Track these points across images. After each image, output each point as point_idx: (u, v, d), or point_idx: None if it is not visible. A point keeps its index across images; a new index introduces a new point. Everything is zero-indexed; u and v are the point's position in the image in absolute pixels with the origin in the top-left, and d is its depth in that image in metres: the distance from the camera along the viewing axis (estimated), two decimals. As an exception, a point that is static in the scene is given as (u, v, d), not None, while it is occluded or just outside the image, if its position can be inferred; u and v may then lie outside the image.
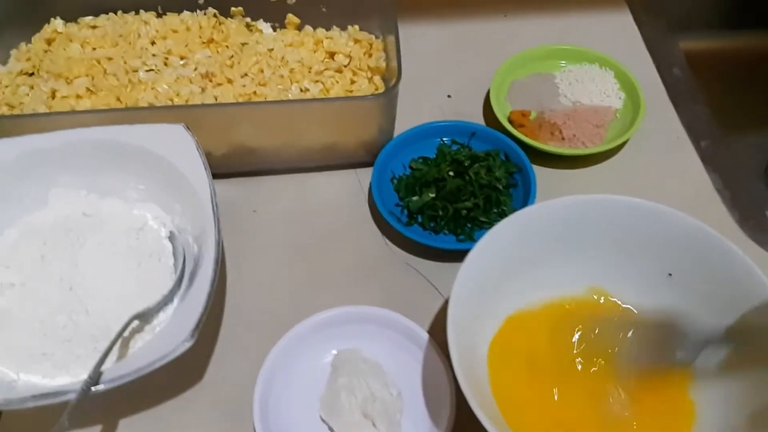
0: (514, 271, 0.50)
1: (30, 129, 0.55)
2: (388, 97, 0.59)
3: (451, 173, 0.60)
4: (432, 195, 0.59)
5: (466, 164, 0.60)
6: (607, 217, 0.49)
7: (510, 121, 0.65)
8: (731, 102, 0.79)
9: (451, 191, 0.58)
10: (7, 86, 0.64)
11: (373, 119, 0.61)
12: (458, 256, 0.58)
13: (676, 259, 0.49)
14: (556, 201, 0.49)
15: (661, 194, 0.61)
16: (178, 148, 0.55)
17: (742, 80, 0.83)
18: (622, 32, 0.76)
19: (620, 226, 0.49)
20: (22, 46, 0.67)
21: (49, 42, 0.67)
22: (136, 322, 0.50)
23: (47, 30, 0.68)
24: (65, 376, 0.48)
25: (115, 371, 0.44)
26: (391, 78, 0.66)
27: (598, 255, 0.51)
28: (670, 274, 0.50)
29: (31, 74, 0.66)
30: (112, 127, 0.55)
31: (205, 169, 0.53)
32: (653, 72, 0.72)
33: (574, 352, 0.49)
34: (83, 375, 0.48)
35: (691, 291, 0.49)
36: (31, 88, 0.64)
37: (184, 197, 0.54)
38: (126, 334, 0.49)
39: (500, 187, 0.59)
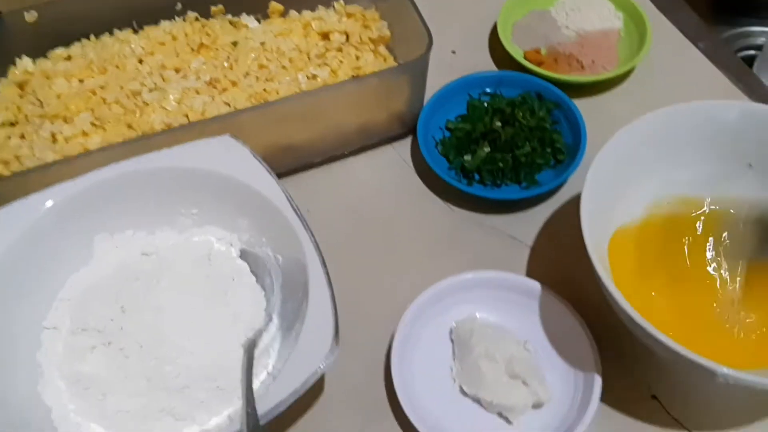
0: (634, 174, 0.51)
1: (53, 179, 0.50)
2: (422, 63, 0.57)
3: (498, 123, 0.59)
4: (487, 149, 0.58)
5: (508, 112, 0.59)
6: (707, 122, 0.51)
7: (528, 61, 0.65)
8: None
9: (506, 141, 0.57)
10: (-7, 142, 0.57)
11: (406, 89, 0.59)
12: (524, 204, 0.58)
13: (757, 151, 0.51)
14: (658, 112, 0.51)
15: (688, 96, 0.63)
16: (232, 158, 0.50)
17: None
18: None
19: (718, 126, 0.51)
20: (-6, 96, 0.60)
21: (21, 85, 0.60)
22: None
23: (15, 72, 0.60)
24: (193, 426, 0.44)
25: (272, 399, 0.40)
26: (398, 44, 0.65)
27: (691, 159, 0.52)
28: (750, 165, 0.51)
29: (13, 124, 0.59)
30: (149, 155, 0.51)
31: (270, 173, 0.50)
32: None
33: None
34: (212, 420, 0.44)
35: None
36: (22, 137, 0.57)
37: (250, 208, 0.50)
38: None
39: (547, 126, 0.59)
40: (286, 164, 0.59)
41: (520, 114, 0.59)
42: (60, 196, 0.49)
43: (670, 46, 0.68)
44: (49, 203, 0.49)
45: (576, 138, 0.58)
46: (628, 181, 0.50)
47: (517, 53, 0.65)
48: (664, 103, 0.63)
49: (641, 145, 0.50)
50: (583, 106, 0.63)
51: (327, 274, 0.45)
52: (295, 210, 0.48)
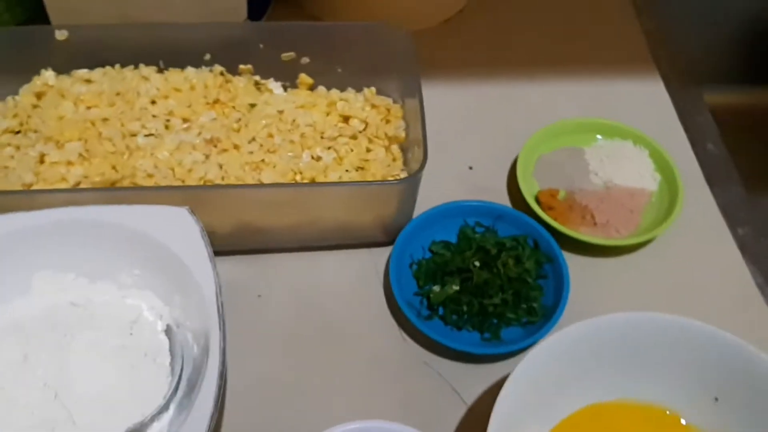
0: (556, 386, 0.45)
1: (13, 205, 0.50)
2: (413, 182, 0.54)
3: (477, 263, 0.55)
4: (456, 287, 0.54)
5: (493, 253, 0.55)
6: (655, 335, 0.45)
7: (538, 202, 0.60)
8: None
9: (477, 285, 0.53)
10: (-10, 146, 0.59)
11: (394, 202, 0.56)
12: (482, 356, 0.54)
13: (723, 383, 0.45)
14: (606, 318, 0.45)
15: (698, 289, 0.58)
16: (181, 233, 0.49)
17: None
18: (653, 103, 0.71)
19: (671, 344, 0.45)
20: (9, 100, 0.61)
21: (38, 96, 0.62)
22: (128, 435, 0.45)
23: (37, 82, 0.62)
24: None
25: None
26: (411, 147, 0.62)
27: (644, 372, 0.46)
28: (716, 399, 0.45)
29: (17, 132, 0.60)
30: (107, 207, 0.50)
31: (210, 261, 0.48)
32: (686, 147, 0.68)
33: None
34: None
35: (739, 416, 0.45)
36: (17, 149, 0.58)
37: (184, 288, 0.49)
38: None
39: (530, 280, 0.54)
40: (251, 243, 0.58)
41: (504, 259, 0.54)
42: (13, 226, 0.49)
43: (703, 222, 0.62)
44: (2, 230, 0.49)
45: (557, 301, 0.54)
46: (559, 390, 0.45)
47: (529, 190, 0.61)
48: (667, 288, 0.58)
49: (587, 351, 0.45)
50: (579, 264, 0.58)
51: (219, 390, 0.42)
52: (219, 310, 0.46)
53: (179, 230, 0.49)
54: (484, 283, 0.53)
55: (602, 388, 0.46)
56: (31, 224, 0.49)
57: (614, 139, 0.65)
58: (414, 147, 0.61)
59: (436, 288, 0.55)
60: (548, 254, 0.56)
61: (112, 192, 0.53)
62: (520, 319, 0.54)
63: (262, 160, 0.60)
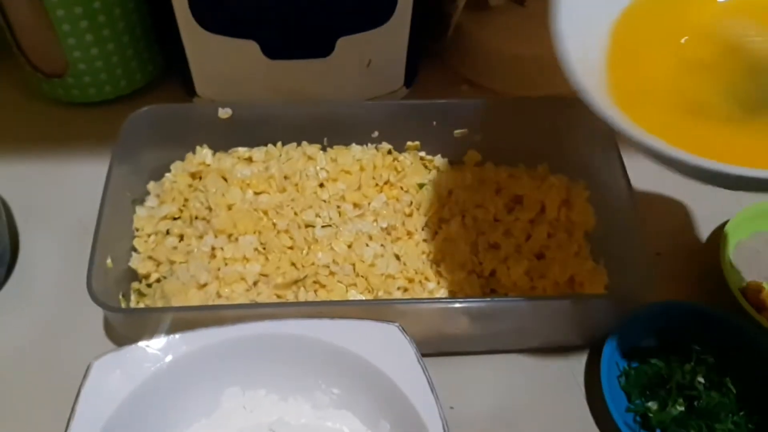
0: None
1: (198, 318, 0.46)
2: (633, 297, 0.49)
3: (702, 379, 0.49)
4: (681, 409, 0.48)
5: (716, 367, 0.49)
6: None
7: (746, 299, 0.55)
8: None
9: (706, 407, 0.48)
10: (150, 235, 0.54)
11: (603, 314, 0.51)
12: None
13: None
14: None
15: None
16: (390, 352, 0.44)
17: None
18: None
19: None
20: (166, 181, 0.57)
21: (193, 175, 0.57)
22: None
23: (193, 161, 0.57)
24: None
25: None
26: (603, 241, 0.57)
27: None
28: None
29: (176, 218, 0.55)
30: (304, 321, 0.45)
31: (431, 388, 0.43)
32: None
33: None
34: None
35: None
36: (180, 238, 0.54)
37: (396, 416, 0.44)
38: None
39: (759, 399, 0.49)
40: (440, 347, 0.52)
41: (731, 375, 0.49)
42: (201, 343, 0.45)
43: None
44: (189, 347, 0.44)
45: (791, 423, 0.48)
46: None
47: (735, 283, 0.55)
48: None
49: None
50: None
51: None
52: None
53: (391, 350, 0.44)
54: (715, 407, 0.48)
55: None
56: (222, 339, 0.45)
57: (814, 223, 0.60)
58: (607, 238, 0.56)
59: (654, 405, 0.49)
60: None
61: (305, 307, 0.48)
62: (752, 445, 0.48)
63: (439, 250, 0.55)
